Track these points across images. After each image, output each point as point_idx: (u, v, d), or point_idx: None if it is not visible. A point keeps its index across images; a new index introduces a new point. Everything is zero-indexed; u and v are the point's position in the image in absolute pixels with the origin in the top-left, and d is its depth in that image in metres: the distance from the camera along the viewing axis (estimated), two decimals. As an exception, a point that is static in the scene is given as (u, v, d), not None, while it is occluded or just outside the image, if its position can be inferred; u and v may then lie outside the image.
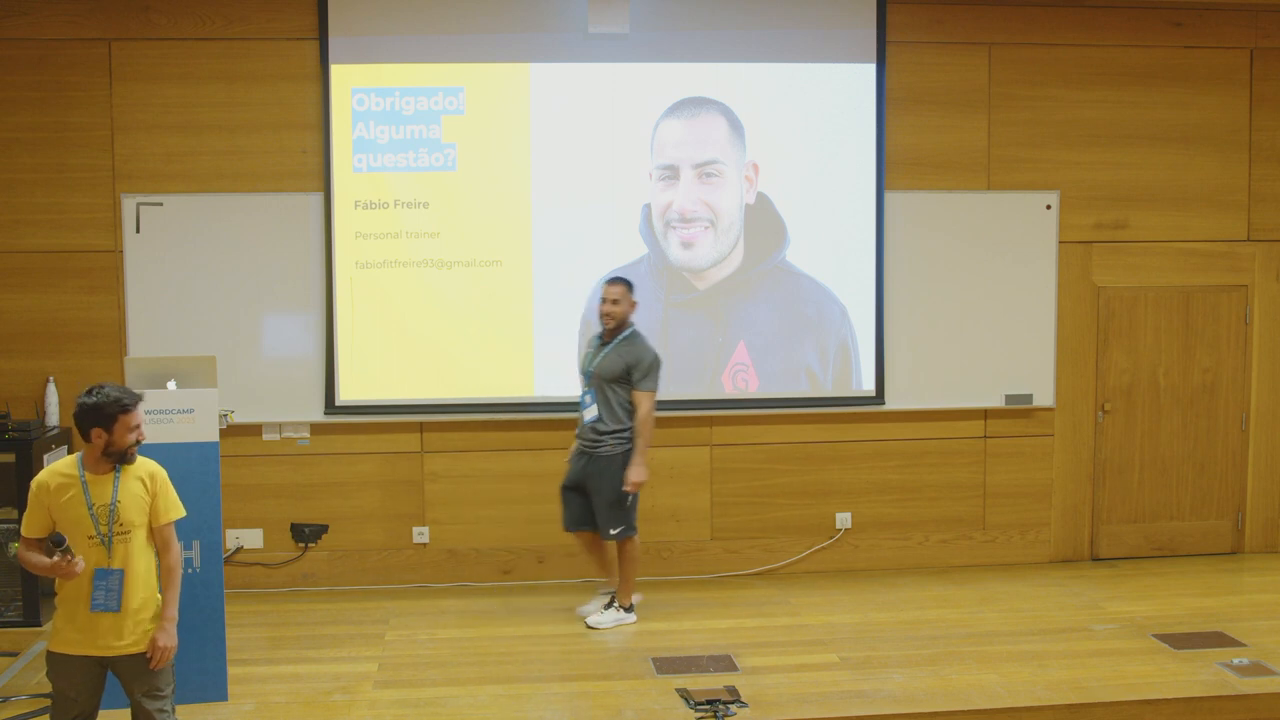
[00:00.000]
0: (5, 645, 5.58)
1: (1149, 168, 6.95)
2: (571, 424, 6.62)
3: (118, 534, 3.81)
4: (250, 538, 6.53)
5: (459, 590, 6.56)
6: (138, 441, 3.84)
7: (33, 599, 5.82)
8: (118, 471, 3.84)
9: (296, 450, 6.53)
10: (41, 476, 3.84)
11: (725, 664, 5.29)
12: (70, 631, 3.81)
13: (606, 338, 5.82)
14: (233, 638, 5.21)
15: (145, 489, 3.88)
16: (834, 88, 6.66)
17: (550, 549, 6.71)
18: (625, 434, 5.75)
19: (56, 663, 3.83)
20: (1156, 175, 6.96)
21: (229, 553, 6.44)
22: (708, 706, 4.75)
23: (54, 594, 3.84)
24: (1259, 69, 7.00)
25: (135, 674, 3.85)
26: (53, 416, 6.25)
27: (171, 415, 4.78)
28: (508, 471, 6.65)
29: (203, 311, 6.36)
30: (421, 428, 6.60)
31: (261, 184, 6.40)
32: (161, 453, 4.75)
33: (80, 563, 3.71)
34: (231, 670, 4.98)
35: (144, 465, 3.93)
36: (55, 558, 3.68)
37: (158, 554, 3.95)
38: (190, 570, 4.77)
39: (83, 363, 6.35)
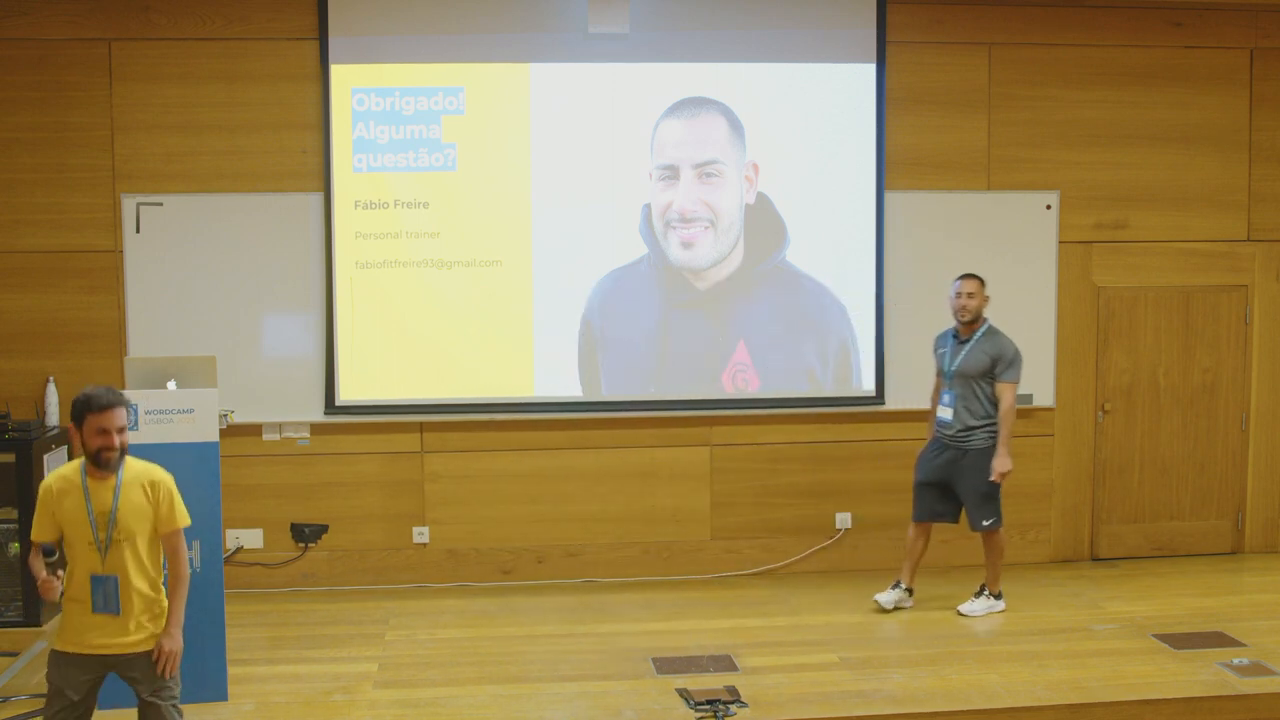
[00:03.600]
0: (5, 645, 5.58)
1: (1149, 168, 6.95)
2: (570, 424, 6.65)
3: (115, 540, 3.81)
4: (250, 538, 6.53)
5: (459, 590, 6.56)
6: (108, 448, 3.76)
7: (33, 599, 5.82)
8: (119, 478, 3.83)
9: (296, 450, 6.53)
10: (47, 480, 3.87)
11: (725, 664, 5.29)
12: (74, 631, 3.82)
13: (963, 334, 5.94)
14: (233, 638, 5.20)
15: (148, 497, 3.86)
16: (834, 88, 6.66)
17: (550, 549, 6.71)
18: (993, 426, 5.86)
19: (58, 661, 3.84)
20: (1156, 175, 6.96)
21: (229, 553, 6.44)
22: (708, 706, 4.75)
23: None
24: (1259, 69, 7.00)
25: (140, 673, 3.86)
26: (53, 416, 6.25)
27: (171, 415, 4.78)
28: (508, 471, 6.65)
29: (203, 311, 6.36)
30: (421, 428, 6.60)
31: (261, 184, 6.40)
32: (161, 453, 4.75)
33: (57, 587, 3.72)
34: (231, 670, 4.98)
35: (149, 472, 3.90)
36: (44, 574, 3.74)
37: (165, 558, 3.96)
38: (190, 570, 4.75)
39: (83, 363, 6.35)
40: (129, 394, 4.75)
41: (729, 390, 6.68)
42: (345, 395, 6.47)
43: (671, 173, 6.59)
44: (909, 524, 6.05)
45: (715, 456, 6.80)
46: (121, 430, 3.79)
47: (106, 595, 3.79)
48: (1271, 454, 7.20)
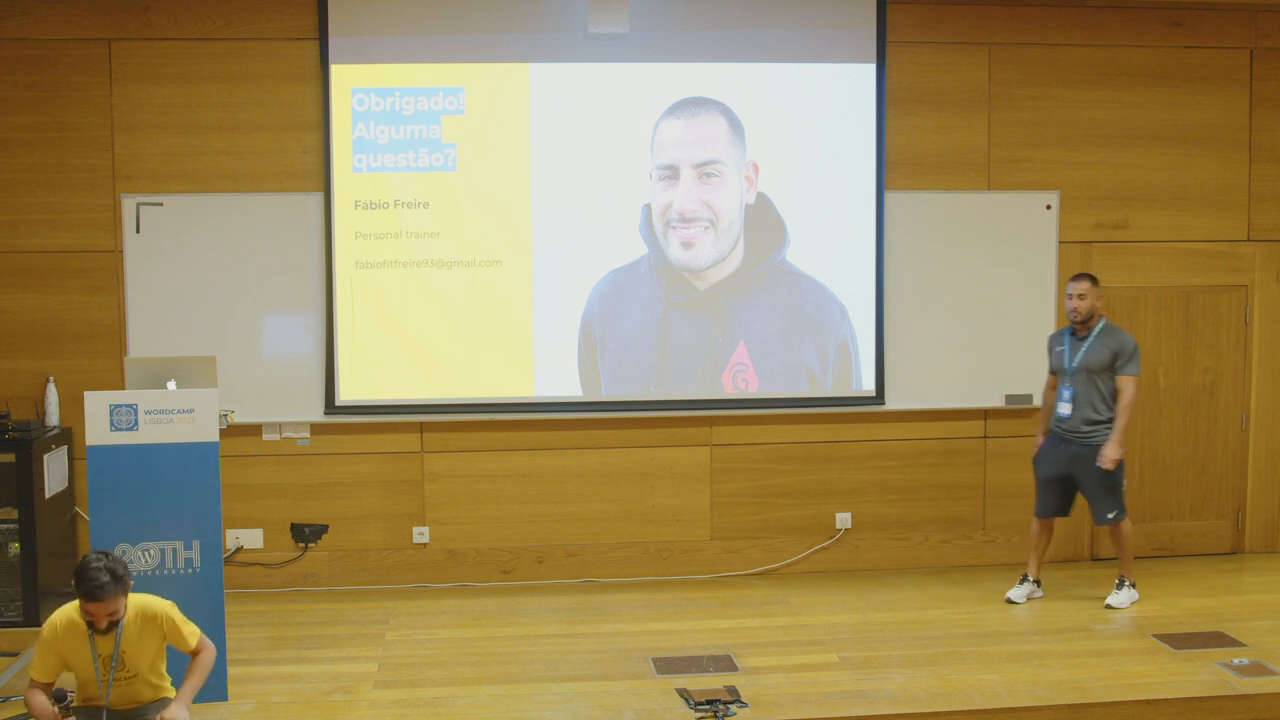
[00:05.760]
0: (5, 645, 5.57)
1: (1149, 168, 6.95)
2: (570, 424, 6.65)
3: (119, 680, 3.95)
4: (250, 538, 6.53)
5: (459, 590, 6.56)
6: (94, 625, 3.87)
7: (32, 599, 5.82)
8: (121, 623, 3.93)
9: (296, 450, 6.53)
10: (53, 618, 3.97)
11: (725, 664, 5.29)
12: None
13: (1080, 331, 6.09)
14: (233, 638, 5.21)
15: (154, 632, 3.99)
16: (834, 88, 6.66)
17: (550, 549, 6.71)
18: (1113, 422, 6.03)
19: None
20: (1156, 175, 6.96)
21: (229, 553, 6.44)
22: (708, 706, 4.75)
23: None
24: (1259, 69, 7.00)
25: None
26: (53, 416, 6.25)
27: (171, 415, 4.78)
28: (508, 471, 6.66)
29: (203, 311, 6.36)
30: (421, 428, 6.60)
31: (261, 184, 6.40)
32: (162, 453, 4.78)
33: None
34: (231, 670, 4.98)
35: (148, 608, 4.00)
36: (56, 710, 3.87)
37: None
38: (190, 570, 4.77)
39: (83, 363, 6.35)
40: (129, 394, 4.79)
41: (729, 390, 6.68)
42: (345, 395, 6.47)
43: (671, 173, 6.59)
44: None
45: (715, 456, 6.80)
46: (112, 614, 3.86)
47: None
48: (1271, 454, 7.20)
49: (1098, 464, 5.96)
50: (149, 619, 4.00)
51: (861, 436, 6.87)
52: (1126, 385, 6.00)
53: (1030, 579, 6.27)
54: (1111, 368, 6.01)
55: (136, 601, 4.02)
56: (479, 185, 6.49)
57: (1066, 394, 6.09)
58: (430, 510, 6.64)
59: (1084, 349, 6.05)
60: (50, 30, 6.26)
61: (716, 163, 6.61)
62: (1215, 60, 6.95)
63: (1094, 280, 6.07)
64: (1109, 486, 6.04)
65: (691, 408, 6.69)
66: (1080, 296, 6.03)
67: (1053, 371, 6.27)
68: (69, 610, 3.97)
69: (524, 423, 6.63)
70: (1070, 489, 6.18)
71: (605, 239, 6.58)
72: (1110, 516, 6.08)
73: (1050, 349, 6.27)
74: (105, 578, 3.80)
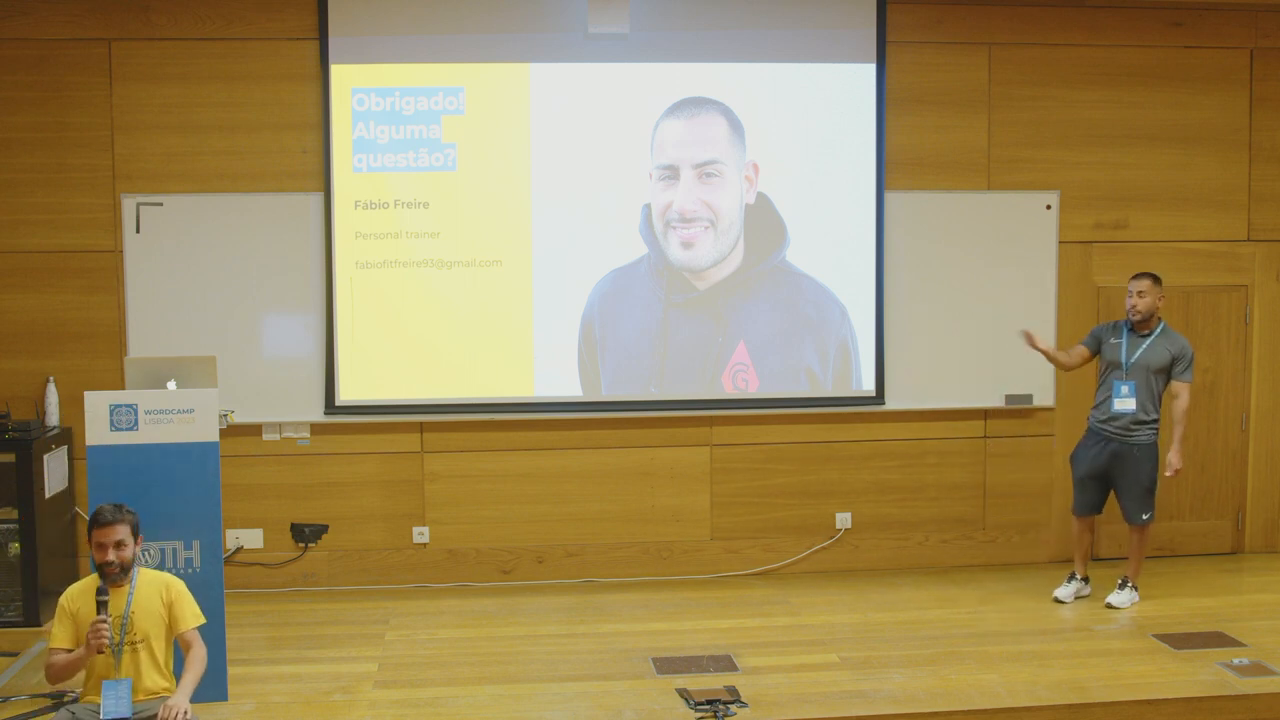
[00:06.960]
0: (5, 645, 5.58)
1: (1149, 168, 6.95)
2: (570, 424, 6.65)
3: (129, 643, 4.11)
4: (250, 538, 6.53)
5: (459, 590, 6.57)
6: (106, 562, 4.10)
7: (32, 599, 5.83)
8: (133, 584, 4.16)
9: (296, 450, 6.53)
10: (68, 590, 4.21)
11: (725, 664, 5.29)
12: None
13: (1140, 329, 6.08)
14: (233, 638, 5.21)
15: (161, 600, 4.19)
16: (834, 88, 6.66)
17: (550, 549, 6.71)
18: (1157, 424, 6.08)
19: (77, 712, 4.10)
20: (1156, 175, 6.96)
21: (229, 553, 6.44)
22: (708, 706, 4.75)
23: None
24: (1259, 69, 7.00)
25: None
26: (53, 416, 6.25)
27: (171, 415, 4.78)
28: (508, 471, 6.66)
29: (203, 311, 6.36)
30: (421, 428, 6.60)
31: (261, 184, 6.40)
32: (162, 453, 4.79)
33: (107, 630, 3.97)
34: (231, 670, 4.98)
35: (160, 578, 4.32)
36: (99, 614, 3.99)
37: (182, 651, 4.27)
38: (190, 570, 4.77)
39: (83, 363, 6.35)
40: (129, 394, 4.80)
41: (729, 390, 6.68)
42: (345, 395, 6.47)
43: (671, 173, 6.59)
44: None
45: (715, 456, 6.80)
46: (120, 545, 4.13)
47: (119, 698, 4.03)
48: (1271, 454, 7.20)
49: (1147, 470, 6.01)
50: (159, 583, 4.23)
51: (861, 436, 6.87)
52: (1184, 392, 6.03)
53: (1078, 578, 6.27)
54: (1168, 371, 6.02)
55: (151, 572, 4.30)
56: (479, 185, 6.49)
57: (1126, 389, 6.05)
58: (430, 510, 6.64)
59: (1143, 347, 6.03)
60: (50, 30, 6.26)
61: (716, 163, 6.61)
62: (1215, 60, 6.95)
63: (1156, 279, 6.05)
64: (1147, 488, 6.05)
65: (691, 408, 6.69)
66: (1140, 294, 6.02)
67: (1085, 345, 6.23)
68: (82, 581, 4.24)
69: (524, 423, 6.63)
70: (1105, 487, 6.18)
71: (605, 239, 6.58)
72: (1145, 518, 6.08)
73: (1104, 338, 6.19)
74: (110, 508, 4.17)
